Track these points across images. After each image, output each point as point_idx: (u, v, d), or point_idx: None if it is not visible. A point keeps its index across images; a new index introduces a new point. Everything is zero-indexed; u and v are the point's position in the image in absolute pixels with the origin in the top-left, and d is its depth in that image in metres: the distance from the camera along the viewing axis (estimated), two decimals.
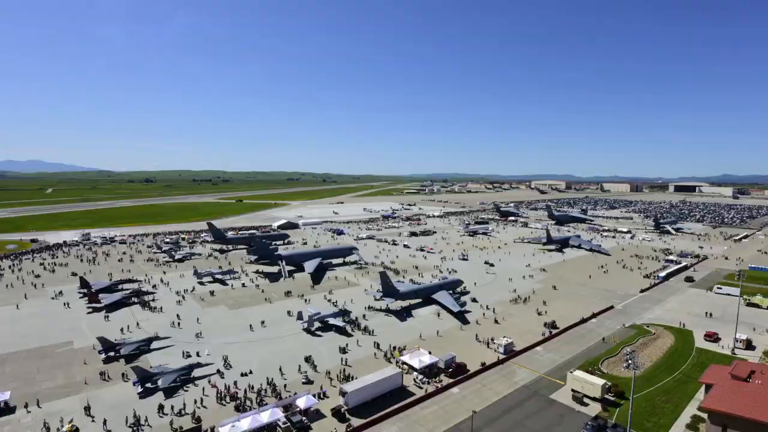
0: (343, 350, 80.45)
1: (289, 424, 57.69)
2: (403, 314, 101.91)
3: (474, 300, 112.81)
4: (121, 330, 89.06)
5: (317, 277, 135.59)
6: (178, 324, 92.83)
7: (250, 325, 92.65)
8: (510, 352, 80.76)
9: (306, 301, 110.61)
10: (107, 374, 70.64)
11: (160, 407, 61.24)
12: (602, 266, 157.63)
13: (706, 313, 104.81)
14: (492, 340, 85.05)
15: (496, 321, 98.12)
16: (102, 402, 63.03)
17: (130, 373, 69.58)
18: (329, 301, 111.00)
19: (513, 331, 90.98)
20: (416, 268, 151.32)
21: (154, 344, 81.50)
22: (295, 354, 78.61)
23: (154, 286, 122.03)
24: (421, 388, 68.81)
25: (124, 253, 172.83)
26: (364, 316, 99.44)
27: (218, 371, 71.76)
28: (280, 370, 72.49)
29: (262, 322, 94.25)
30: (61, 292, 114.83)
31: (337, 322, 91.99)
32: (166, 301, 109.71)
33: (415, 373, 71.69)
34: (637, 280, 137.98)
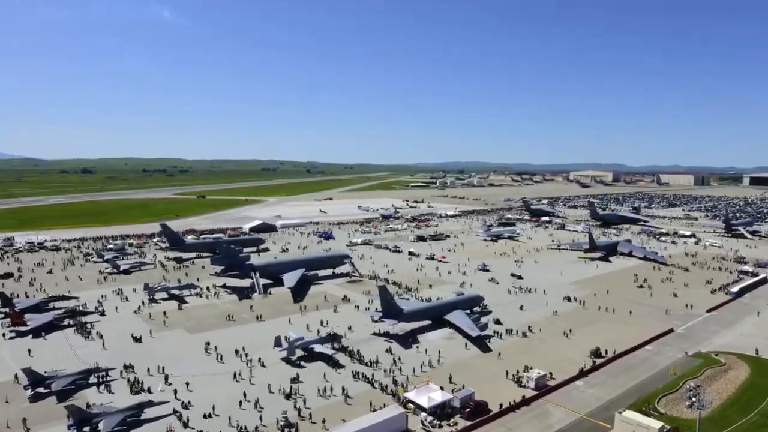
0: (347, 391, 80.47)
1: None
2: (408, 339, 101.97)
3: (497, 321, 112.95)
4: (45, 367, 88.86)
5: (300, 292, 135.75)
6: (128, 352, 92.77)
7: (215, 353, 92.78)
8: (543, 388, 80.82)
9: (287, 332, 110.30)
10: (34, 415, 70.68)
11: None
12: (663, 278, 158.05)
13: None
14: (520, 372, 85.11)
15: (525, 348, 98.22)
16: None
17: (64, 413, 69.48)
18: (319, 322, 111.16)
19: (546, 361, 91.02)
20: (423, 282, 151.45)
21: (94, 377, 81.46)
22: (273, 389, 78.64)
23: (85, 304, 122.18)
24: None
25: (53, 263, 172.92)
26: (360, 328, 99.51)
27: (175, 411, 71.81)
28: (255, 407, 72.53)
29: (235, 351, 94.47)
30: None
31: (325, 349, 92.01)
32: (110, 322, 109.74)
33: (424, 414, 71.70)
34: (703, 296, 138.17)
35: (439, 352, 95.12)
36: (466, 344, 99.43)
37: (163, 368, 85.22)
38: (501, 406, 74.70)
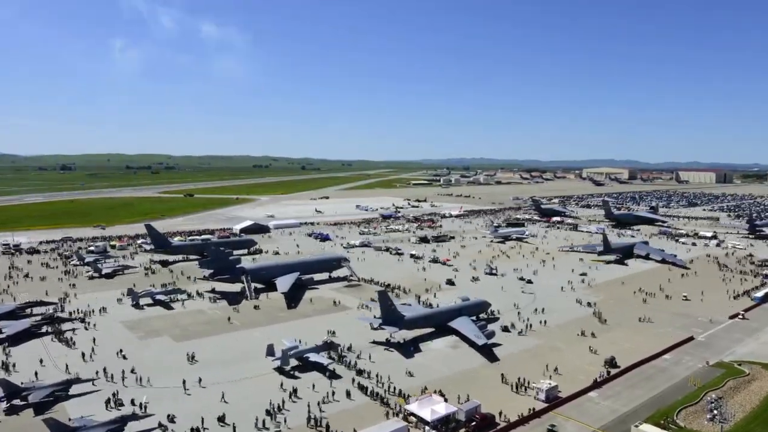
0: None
1: None
2: (410, 348, 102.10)
3: (505, 329, 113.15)
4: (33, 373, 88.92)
5: (294, 297, 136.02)
6: (110, 362, 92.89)
7: (203, 363, 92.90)
8: (554, 400, 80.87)
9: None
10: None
11: None
12: (682, 282, 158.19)
13: None
14: (529, 382, 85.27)
15: (535, 357, 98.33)
16: None
17: (42, 427, 69.53)
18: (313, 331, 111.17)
19: (558, 371, 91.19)
20: (426, 286, 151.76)
21: (74, 389, 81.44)
22: (264, 402, 78.61)
23: (63, 310, 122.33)
24: None
25: (29, 262, 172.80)
26: (349, 348, 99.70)
27: (160, 425, 71.85)
28: (246, 421, 72.56)
29: (224, 360, 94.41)
30: None
31: (321, 358, 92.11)
32: (91, 330, 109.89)
33: (427, 428, 71.71)
34: (726, 301, 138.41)
35: (443, 361, 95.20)
36: (472, 352, 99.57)
37: (148, 378, 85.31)
38: (521, 415, 74.80)
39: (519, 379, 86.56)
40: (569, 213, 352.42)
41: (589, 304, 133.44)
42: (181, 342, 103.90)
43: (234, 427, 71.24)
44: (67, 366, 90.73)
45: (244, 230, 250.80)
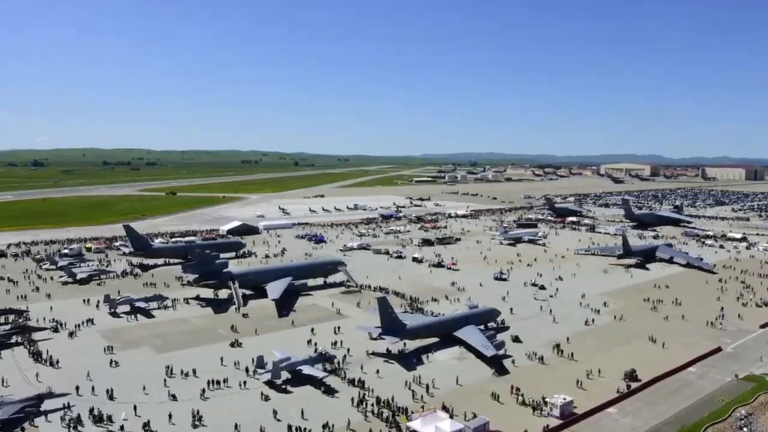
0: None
1: None
2: (412, 359, 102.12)
3: (516, 339, 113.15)
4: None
5: (286, 304, 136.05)
6: (86, 375, 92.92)
7: (188, 376, 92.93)
8: (569, 416, 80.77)
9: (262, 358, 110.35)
10: None
11: None
12: (709, 288, 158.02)
13: None
14: (543, 397, 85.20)
15: (548, 370, 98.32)
16: None
17: None
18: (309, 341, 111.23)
19: (573, 385, 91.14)
20: (430, 292, 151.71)
21: (47, 404, 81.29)
22: (254, 418, 78.57)
23: (29, 317, 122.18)
24: None
25: (3, 266, 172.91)
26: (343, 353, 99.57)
27: None
28: None
29: (210, 373, 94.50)
30: None
31: (315, 371, 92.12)
32: (64, 340, 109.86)
33: None
34: (756, 309, 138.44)
35: (448, 374, 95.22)
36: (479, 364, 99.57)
37: (127, 393, 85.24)
38: None
39: (531, 393, 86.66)
40: (586, 213, 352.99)
41: (607, 313, 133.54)
42: (163, 353, 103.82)
43: None
44: (37, 378, 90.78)
45: (231, 231, 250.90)
